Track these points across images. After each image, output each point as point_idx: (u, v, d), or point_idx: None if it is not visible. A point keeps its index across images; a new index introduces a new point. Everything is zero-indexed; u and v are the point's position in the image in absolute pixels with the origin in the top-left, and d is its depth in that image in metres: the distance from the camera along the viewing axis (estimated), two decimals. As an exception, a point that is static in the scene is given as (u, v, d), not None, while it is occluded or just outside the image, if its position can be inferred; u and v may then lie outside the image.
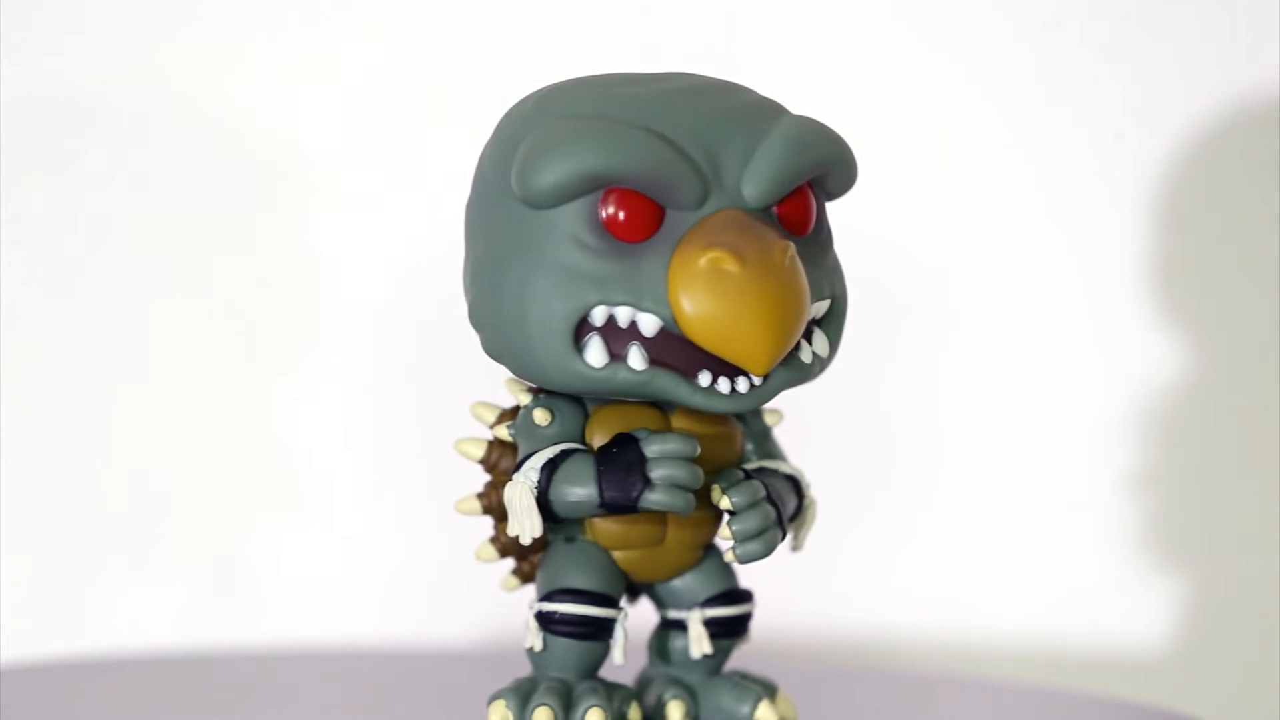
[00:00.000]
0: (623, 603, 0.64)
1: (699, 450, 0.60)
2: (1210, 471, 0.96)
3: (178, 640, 0.96)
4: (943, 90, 0.97)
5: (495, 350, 0.61)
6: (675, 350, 0.59)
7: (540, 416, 0.62)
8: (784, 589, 0.75)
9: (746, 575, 0.65)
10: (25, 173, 0.98)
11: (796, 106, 0.63)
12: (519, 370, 0.61)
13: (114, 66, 0.98)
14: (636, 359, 0.59)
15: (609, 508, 0.60)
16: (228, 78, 0.98)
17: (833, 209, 0.64)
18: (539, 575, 0.64)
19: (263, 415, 1.00)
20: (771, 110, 0.61)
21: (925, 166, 0.96)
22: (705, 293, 0.58)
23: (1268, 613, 0.96)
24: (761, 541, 0.60)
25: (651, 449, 0.60)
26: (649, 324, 0.59)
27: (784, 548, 0.63)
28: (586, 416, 0.62)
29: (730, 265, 0.58)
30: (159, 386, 0.99)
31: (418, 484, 0.93)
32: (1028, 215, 0.97)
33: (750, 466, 0.63)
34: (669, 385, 0.60)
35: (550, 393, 0.62)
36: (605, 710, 0.61)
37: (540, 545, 0.65)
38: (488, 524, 0.67)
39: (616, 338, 0.60)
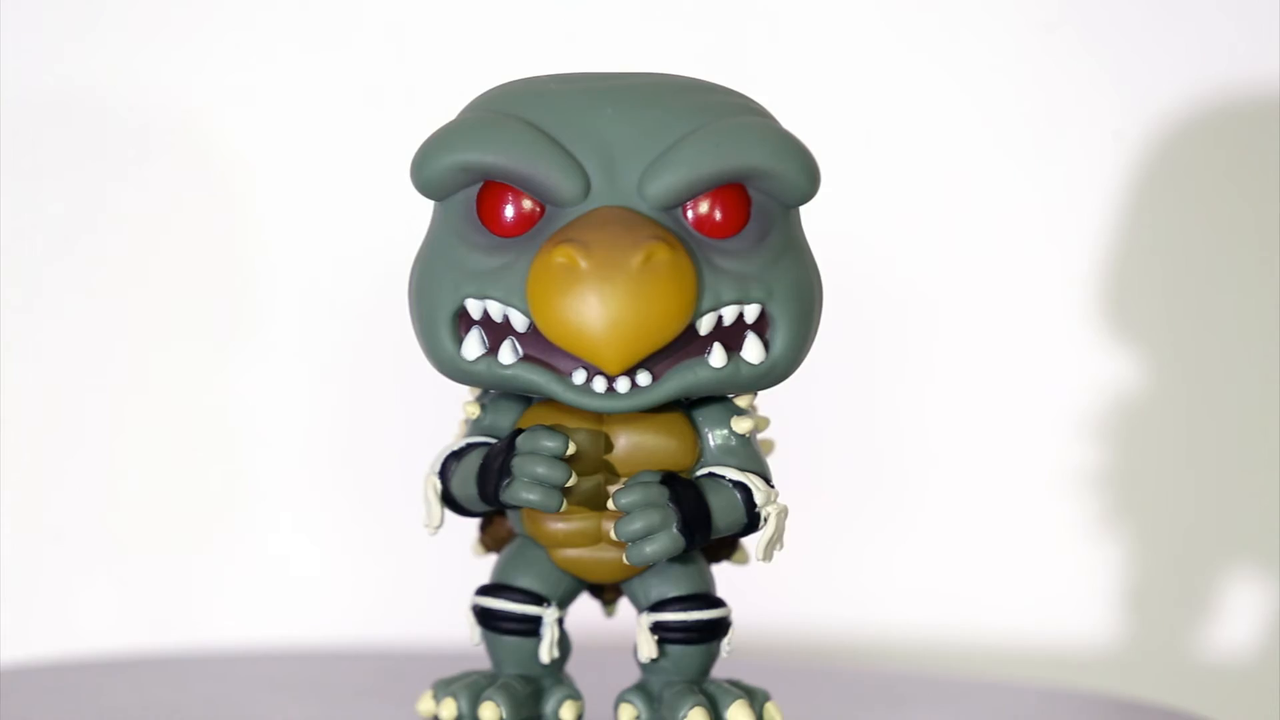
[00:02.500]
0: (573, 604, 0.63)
1: (570, 448, 0.59)
2: (1195, 472, 0.97)
3: (146, 642, 0.96)
4: (938, 91, 0.97)
5: (417, 338, 0.61)
6: (550, 346, 0.59)
7: (470, 410, 0.62)
8: (763, 590, 0.75)
9: (722, 579, 0.64)
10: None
11: (788, 107, 0.63)
12: (428, 360, 0.61)
13: (69, 68, 0.98)
14: (507, 353, 0.59)
15: (486, 502, 0.60)
16: (178, 72, 0.99)
17: (829, 207, 0.63)
18: None
19: (235, 412, 0.99)
20: (722, 111, 0.59)
21: (919, 167, 0.96)
22: (551, 290, 0.57)
23: (1247, 610, 0.96)
24: (649, 544, 0.58)
25: (519, 444, 0.59)
26: (519, 320, 0.59)
27: (756, 557, 0.61)
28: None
29: (575, 262, 0.57)
30: (128, 383, 0.99)
31: (401, 479, 0.93)
32: (1019, 217, 0.97)
33: (700, 473, 0.61)
34: (539, 381, 0.59)
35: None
36: (499, 706, 0.61)
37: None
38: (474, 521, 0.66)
39: (494, 332, 0.59)
